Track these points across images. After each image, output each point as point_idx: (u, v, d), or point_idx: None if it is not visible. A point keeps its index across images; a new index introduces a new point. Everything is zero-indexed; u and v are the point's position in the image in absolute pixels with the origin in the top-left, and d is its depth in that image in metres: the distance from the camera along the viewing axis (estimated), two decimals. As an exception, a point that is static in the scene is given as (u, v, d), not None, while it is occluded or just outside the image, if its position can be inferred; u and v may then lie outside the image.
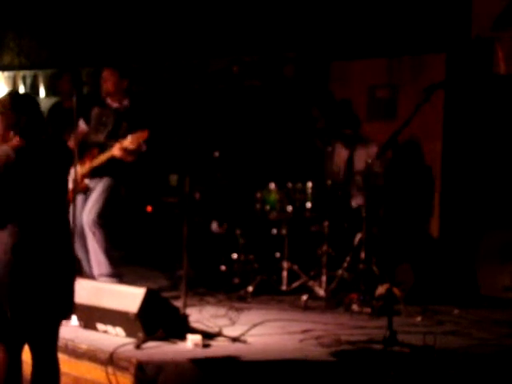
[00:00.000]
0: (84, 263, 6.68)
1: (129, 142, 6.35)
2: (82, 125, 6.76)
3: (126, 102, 6.68)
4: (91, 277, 6.45)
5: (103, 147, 6.57)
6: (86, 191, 6.63)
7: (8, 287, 3.77)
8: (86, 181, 6.61)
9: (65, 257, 4.00)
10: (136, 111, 6.66)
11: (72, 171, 5.71)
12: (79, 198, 6.54)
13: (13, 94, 4.18)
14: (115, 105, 6.67)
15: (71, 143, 6.30)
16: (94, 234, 6.52)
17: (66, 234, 4.13)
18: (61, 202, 4.06)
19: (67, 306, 4.03)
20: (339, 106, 7.63)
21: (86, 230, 6.55)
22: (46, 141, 4.04)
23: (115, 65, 6.79)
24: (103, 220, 6.55)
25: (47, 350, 4.04)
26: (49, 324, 3.99)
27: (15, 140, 3.92)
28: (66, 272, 4.00)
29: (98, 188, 6.60)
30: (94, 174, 6.61)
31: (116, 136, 6.53)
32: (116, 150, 6.42)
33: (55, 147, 4.08)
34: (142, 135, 6.33)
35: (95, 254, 6.54)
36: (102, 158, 6.53)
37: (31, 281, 3.81)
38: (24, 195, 3.84)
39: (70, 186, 6.34)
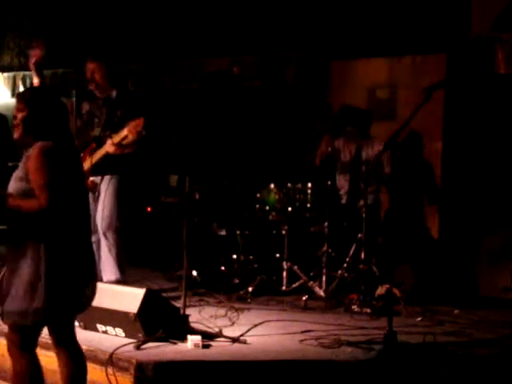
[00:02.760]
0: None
1: (125, 133, 6.27)
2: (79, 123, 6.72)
3: (114, 93, 6.59)
4: (99, 279, 6.42)
5: (100, 140, 6.50)
6: (94, 190, 6.55)
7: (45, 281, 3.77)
8: (91, 178, 6.54)
9: (88, 252, 4.03)
10: (130, 101, 6.58)
11: None
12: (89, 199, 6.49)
13: (35, 90, 4.05)
14: (105, 95, 6.59)
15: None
16: (106, 238, 6.48)
17: (89, 230, 4.14)
18: (85, 202, 4.03)
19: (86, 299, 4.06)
20: (338, 116, 7.62)
21: (99, 233, 6.51)
22: (70, 141, 3.96)
23: (102, 57, 6.67)
24: (118, 224, 6.51)
25: (70, 338, 4.08)
26: (73, 312, 4.04)
27: (41, 142, 3.80)
28: (91, 265, 4.03)
29: (107, 191, 6.52)
30: (97, 170, 6.52)
31: (111, 126, 6.44)
32: (109, 147, 6.33)
33: (76, 150, 4.03)
34: (138, 123, 6.24)
35: (106, 259, 6.51)
36: (98, 154, 6.46)
37: (65, 275, 3.81)
38: (64, 196, 3.79)
39: None
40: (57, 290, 3.78)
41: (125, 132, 6.30)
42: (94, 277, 4.09)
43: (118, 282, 6.28)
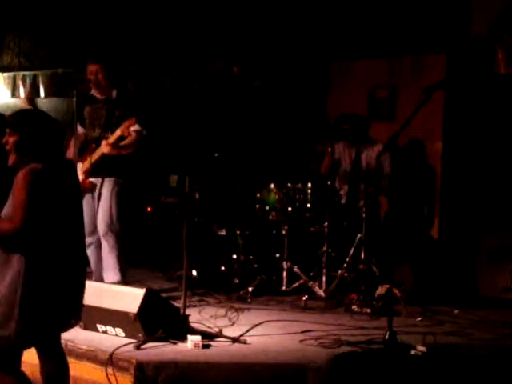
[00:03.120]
0: (92, 265, 6.66)
1: (118, 133, 6.31)
2: (80, 129, 6.74)
3: (114, 93, 6.62)
4: (99, 280, 6.42)
5: (99, 141, 6.53)
6: (93, 191, 6.57)
7: (20, 298, 3.73)
8: (91, 179, 6.56)
9: (79, 271, 3.98)
10: (128, 101, 6.59)
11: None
12: (87, 198, 6.51)
13: (24, 113, 3.98)
14: (104, 96, 6.62)
15: (71, 148, 6.33)
16: (107, 240, 6.48)
17: (82, 251, 4.07)
18: (75, 221, 3.99)
19: (71, 317, 4.02)
20: (335, 124, 7.60)
21: (100, 235, 6.52)
22: (62, 162, 3.94)
23: (101, 59, 6.69)
24: (119, 226, 6.51)
25: (54, 349, 4.06)
26: (55, 332, 4.00)
27: (32, 164, 3.78)
28: (78, 283, 3.99)
29: (108, 193, 6.53)
30: (98, 172, 6.55)
31: (110, 126, 6.48)
32: (104, 148, 6.39)
33: (68, 168, 3.99)
34: (130, 122, 6.29)
35: (107, 261, 6.51)
36: (96, 155, 6.49)
37: (43, 294, 3.77)
38: (43, 218, 3.76)
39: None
40: (33, 311, 3.73)
41: (118, 132, 6.34)
42: (78, 293, 4.01)
43: (118, 283, 6.28)
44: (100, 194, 6.54)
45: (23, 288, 3.72)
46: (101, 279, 6.47)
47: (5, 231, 3.72)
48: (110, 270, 6.49)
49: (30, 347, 3.94)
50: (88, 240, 6.58)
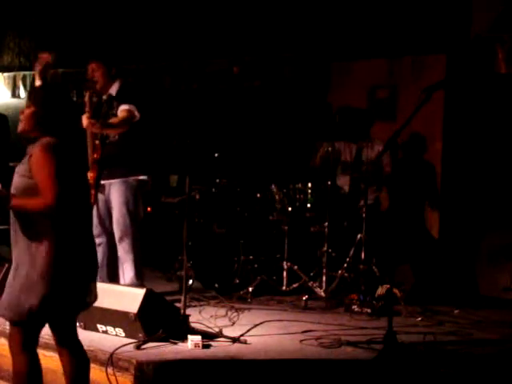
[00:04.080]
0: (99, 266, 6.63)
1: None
2: None
3: (116, 85, 6.56)
4: (103, 280, 6.40)
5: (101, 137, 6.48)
6: (102, 190, 6.51)
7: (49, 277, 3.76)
8: (101, 181, 6.49)
9: (93, 251, 4.03)
10: (128, 93, 6.54)
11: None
12: (99, 201, 6.49)
13: (45, 87, 4.05)
14: (107, 93, 6.59)
15: None
16: (122, 244, 6.42)
17: (91, 228, 4.11)
18: (88, 201, 4.04)
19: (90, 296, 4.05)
20: (340, 112, 7.60)
21: (116, 238, 6.48)
22: (76, 140, 3.95)
23: (100, 57, 6.67)
24: (134, 229, 6.44)
25: (71, 337, 4.08)
26: (72, 313, 4.03)
27: (46, 138, 3.81)
28: (93, 264, 4.03)
29: (119, 196, 6.47)
30: (107, 174, 6.46)
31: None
32: (84, 122, 6.18)
33: (81, 148, 4.04)
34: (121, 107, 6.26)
35: (122, 264, 6.47)
36: (97, 143, 6.39)
37: (66, 274, 3.80)
38: (70, 192, 3.77)
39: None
40: (55, 287, 3.76)
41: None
42: (95, 276, 4.08)
43: (134, 286, 6.21)
44: (109, 197, 6.49)
45: (47, 269, 3.73)
46: (103, 279, 6.45)
47: (37, 209, 3.72)
48: (127, 273, 6.44)
49: (46, 322, 3.94)
50: (97, 241, 6.55)
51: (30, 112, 3.87)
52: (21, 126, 3.90)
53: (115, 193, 6.44)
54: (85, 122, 6.18)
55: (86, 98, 6.29)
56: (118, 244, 6.46)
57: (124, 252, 6.44)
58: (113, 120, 6.34)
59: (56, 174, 3.70)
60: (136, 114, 6.34)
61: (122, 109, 6.33)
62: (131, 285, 6.23)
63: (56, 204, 3.69)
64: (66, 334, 4.06)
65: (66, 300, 3.84)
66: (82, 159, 4.01)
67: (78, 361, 4.06)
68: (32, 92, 4.03)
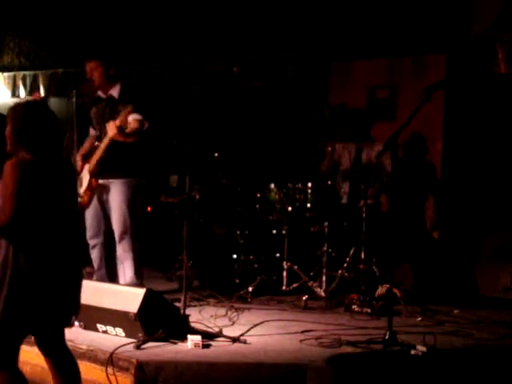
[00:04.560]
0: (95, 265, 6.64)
1: (117, 122, 6.24)
2: (92, 131, 6.74)
3: (117, 88, 6.56)
4: (101, 280, 6.39)
5: (102, 138, 6.48)
6: (101, 193, 6.51)
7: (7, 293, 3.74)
8: (100, 181, 6.49)
9: (70, 265, 3.96)
10: (130, 95, 6.53)
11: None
12: (94, 200, 6.50)
13: (28, 104, 4.01)
14: (107, 94, 6.58)
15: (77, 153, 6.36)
16: (122, 244, 6.42)
17: (74, 245, 4.03)
18: (67, 216, 3.97)
19: (69, 313, 4.00)
20: (340, 111, 7.62)
21: (116, 237, 6.47)
22: (55, 157, 3.93)
23: (98, 56, 6.67)
24: (133, 229, 6.44)
25: (58, 351, 4.06)
26: (51, 328, 3.98)
27: (22, 154, 3.82)
28: (72, 279, 3.97)
29: (119, 196, 6.47)
30: (107, 174, 6.49)
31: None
32: (111, 131, 6.24)
33: (63, 164, 3.98)
34: (127, 110, 6.21)
35: (122, 264, 6.47)
36: (103, 145, 6.39)
37: (31, 288, 3.77)
38: (29, 210, 3.77)
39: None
40: (13, 303, 3.73)
41: (117, 122, 6.23)
42: (74, 290, 4.00)
43: (134, 285, 6.21)
44: (108, 197, 6.49)
45: (10, 273, 3.73)
46: (103, 279, 6.45)
47: None
48: (127, 273, 6.44)
49: (22, 337, 3.89)
50: (93, 241, 6.58)
51: (8, 129, 3.90)
52: (7, 146, 3.92)
53: (115, 192, 6.45)
54: (113, 130, 6.21)
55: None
56: (117, 243, 6.47)
57: (124, 251, 6.44)
58: (129, 130, 6.33)
59: (17, 192, 3.71)
60: (146, 124, 6.37)
61: (136, 118, 6.34)
62: (131, 284, 6.24)
63: (12, 220, 3.69)
64: (51, 347, 4.03)
65: (34, 315, 3.79)
66: (62, 174, 3.94)
67: (65, 377, 4.03)
68: (9, 109, 4.01)
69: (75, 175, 4.16)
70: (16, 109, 3.95)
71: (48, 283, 3.81)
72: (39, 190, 3.78)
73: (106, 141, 6.34)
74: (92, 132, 6.73)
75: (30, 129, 3.87)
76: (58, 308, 3.89)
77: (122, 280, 6.44)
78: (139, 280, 6.42)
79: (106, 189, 6.48)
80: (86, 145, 6.76)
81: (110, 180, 6.46)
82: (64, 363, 4.06)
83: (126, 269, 6.44)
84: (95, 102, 6.65)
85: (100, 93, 6.61)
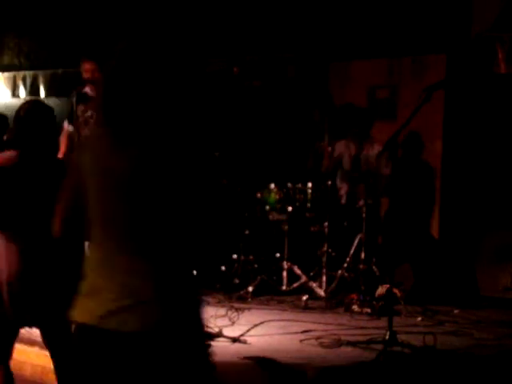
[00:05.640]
0: None
1: None
2: (66, 126, 6.71)
3: None
4: None
5: None
6: None
7: None
8: None
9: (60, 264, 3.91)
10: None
11: None
12: None
13: (30, 103, 4.03)
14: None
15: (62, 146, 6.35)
16: None
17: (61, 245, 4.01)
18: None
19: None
20: (341, 109, 7.62)
21: None
22: (42, 157, 3.91)
23: (96, 56, 6.66)
24: None
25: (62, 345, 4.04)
26: (51, 320, 3.98)
27: (9, 151, 3.85)
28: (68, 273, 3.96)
29: None
30: None
31: None
32: None
33: (49, 164, 3.96)
34: None
35: None
36: None
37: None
38: (9, 207, 3.79)
39: None
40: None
41: None
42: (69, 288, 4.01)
43: None
44: None
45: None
46: None
47: None
48: None
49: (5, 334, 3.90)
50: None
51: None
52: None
53: None
54: None
55: None
56: None
57: None
58: None
59: None
60: None
61: None
62: None
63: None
64: (58, 348, 3.99)
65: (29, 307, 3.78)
66: (49, 173, 3.93)
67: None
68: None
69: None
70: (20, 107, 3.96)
71: (41, 275, 3.80)
72: (17, 189, 3.80)
73: None
74: (70, 128, 6.68)
75: (18, 126, 3.90)
76: (58, 299, 3.88)
77: None
78: None
79: None
80: (65, 142, 6.69)
81: None
82: (68, 365, 4.04)
83: None
84: (83, 99, 6.60)
85: (90, 92, 6.57)
